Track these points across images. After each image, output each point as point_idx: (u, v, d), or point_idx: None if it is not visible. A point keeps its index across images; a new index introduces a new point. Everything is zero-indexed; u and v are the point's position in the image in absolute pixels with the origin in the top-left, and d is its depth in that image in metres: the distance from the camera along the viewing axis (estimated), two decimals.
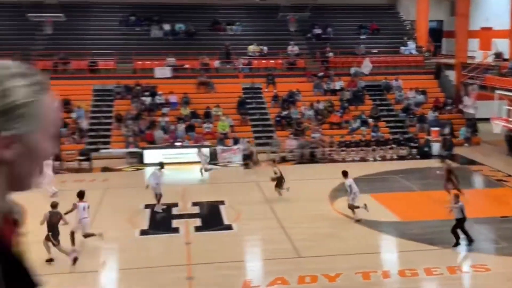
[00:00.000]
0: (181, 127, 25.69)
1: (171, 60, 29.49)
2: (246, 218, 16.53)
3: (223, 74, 29.91)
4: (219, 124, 26.24)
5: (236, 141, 24.98)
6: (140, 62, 29.67)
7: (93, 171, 22.62)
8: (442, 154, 24.19)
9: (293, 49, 31.43)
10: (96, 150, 23.98)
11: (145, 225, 15.99)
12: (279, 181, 18.15)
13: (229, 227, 15.88)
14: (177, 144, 24.60)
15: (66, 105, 26.26)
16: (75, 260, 12.81)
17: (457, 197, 14.22)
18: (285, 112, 27.55)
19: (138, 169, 22.99)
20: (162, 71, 28.67)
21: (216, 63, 30.15)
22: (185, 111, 26.90)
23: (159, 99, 27.58)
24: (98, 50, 29.92)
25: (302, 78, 30.33)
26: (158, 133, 25.17)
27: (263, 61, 31.06)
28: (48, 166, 16.92)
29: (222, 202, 17.90)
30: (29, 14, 28.02)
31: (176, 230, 15.64)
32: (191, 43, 31.45)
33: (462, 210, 13.74)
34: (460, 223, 13.77)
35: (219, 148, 24.67)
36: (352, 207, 15.91)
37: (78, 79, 28.24)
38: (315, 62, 31.62)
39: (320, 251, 13.65)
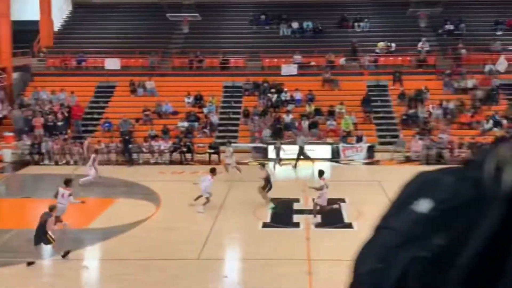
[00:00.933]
0: (305, 123, 26.16)
1: (298, 57, 30.09)
2: (367, 218, 16.54)
3: (348, 71, 29.91)
4: (343, 121, 26.33)
5: (359, 139, 24.97)
6: (268, 60, 30.60)
7: (221, 163, 23.81)
8: None
9: (423, 45, 30.54)
10: (225, 144, 25.18)
11: (268, 218, 16.62)
12: (265, 186, 17.65)
13: (349, 226, 16.00)
14: None
15: (199, 100, 27.91)
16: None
17: None
18: (411, 111, 26.93)
19: (262, 165, 23.80)
20: (289, 69, 29.33)
21: (341, 61, 30.21)
22: (309, 108, 27.33)
23: (284, 96, 28.29)
24: (230, 48, 31.34)
25: (431, 75, 29.39)
26: (265, 132, 25.71)
27: (391, 58, 30.56)
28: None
29: (342, 200, 18.04)
30: (168, 14, 30.01)
31: (296, 225, 16.07)
32: (318, 41, 31.80)
33: None
34: None
35: (341, 145, 24.81)
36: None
37: (210, 76, 29.85)
38: (446, 59, 30.46)
39: None
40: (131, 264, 13.13)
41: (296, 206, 17.84)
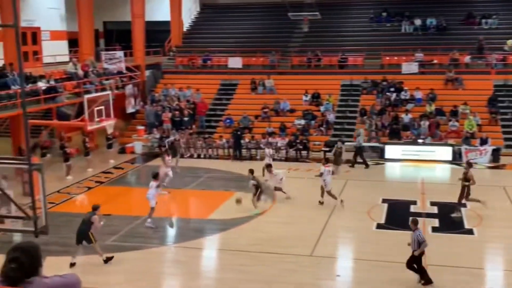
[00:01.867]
0: (425, 124, 25.47)
1: (419, 55, 29.30)
2: (488, 224, 15.91)
3: (473, 70, 28.57)
4: (466, 122, 25.28)
5: (483, 141, 23.86)
6: (388, 58, 30.13)
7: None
8: None
9: None
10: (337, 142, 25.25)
11: (382, 219, 16.54)
12: (256, 192, 17.25)
13: (469, 232, 15.46)
14: (419, 141, 24.55)
15: (316, 98, 28.22)
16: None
17: None
18: None
19: (378, 164, 23.65)
20: (410, 67, 28.67)
21: (466, 59, 28.94)
22: (430, 107, 26.54)
23: (404, 95, 27.72)
24: (349, 46, 31.27)
25: None
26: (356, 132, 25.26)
27: None
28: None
29: (463, 205, 17.44)
30: (290, 14, 30.59)
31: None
32: (441, 38, 30.71)
33: None
34: None
35: (463, 147, 23.87)
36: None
37: (328, 74, 30.01)
38: None
39: None
40: (247, 256, 13.78)
41: (412, 208, 17.56)
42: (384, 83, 28.43)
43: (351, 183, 20.47)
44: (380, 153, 24.35)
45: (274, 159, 24.49)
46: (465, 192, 16.59)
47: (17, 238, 13.87)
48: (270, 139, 25.11)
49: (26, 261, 2.95)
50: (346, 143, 25.11)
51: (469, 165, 17.32)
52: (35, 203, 6.68)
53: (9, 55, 21.10)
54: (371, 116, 26.38)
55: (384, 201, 18.10)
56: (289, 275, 12.59)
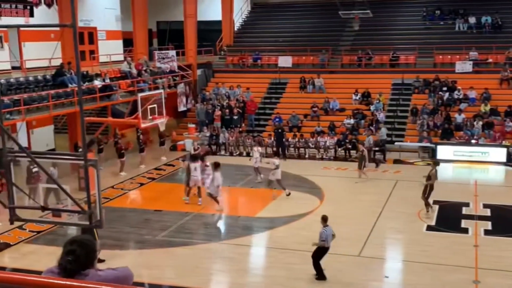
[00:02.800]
0: (478, 124, 24.88)
1: (474, 54, 28.62)
2: None
3: None
4: None
5: None
6: (441, 57, 29.56)
7: (387, 162, 23.75)
8: None
9: None
10: (391, 142, 25.05)
11: (433, 221, 16.31)
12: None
13: None
14: (473, 141, 24.00)
15: (366, 97, 28.02)
16: None
17: None
18: None
19: (429, 164, 23.21)
20: (463, 66, 28.04)
21: None
22: (484, 107, 25.90)
23: (457, 94, 27.15)
24: (400, 45, 30.87)
25: None
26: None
27: None
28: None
29: None
30: (340, 12, 30.47)
31: (465, 230, 15.56)
32: (496, 36, 29.88)
33: None
34: None
35: None
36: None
37: (379, 73, 29.72)
38: None
39: None
40: (294, 254, 13.90)
41: (465, 210, 17.27)
42: (437, 82, 27.92)
43: (401, 183, 20.26)
44: (432, 153, 23.96)
45: (322, 159, 24.58)
46: None
47: (72, 231, 14.49)
48: (319, 138, 25.12)
49: (82, 254, 3.06)
50: (397, 143, 24.88)
51: None
52: (90, 198, 7.00)
53: (67, 54, 21.90)
54: (422, 116, 25.98)
55: (435, 202, 17.82)
56: (337, 275, 12.63)
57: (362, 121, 26.63)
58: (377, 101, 27.32)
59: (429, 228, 15.78)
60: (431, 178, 16.55)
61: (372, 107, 27.31)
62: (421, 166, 23.03)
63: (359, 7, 30.22)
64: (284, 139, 25.01)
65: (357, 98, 28.16)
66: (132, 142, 23.65)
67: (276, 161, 19.21)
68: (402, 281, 12.88)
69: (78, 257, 3.04)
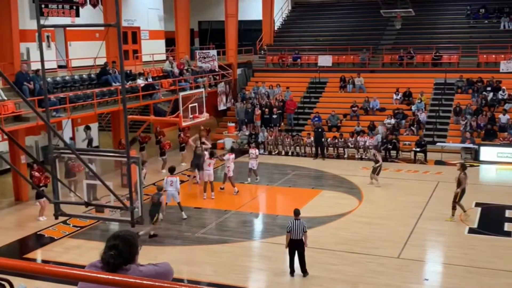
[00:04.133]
0: None
1: None
2: None
3: None
4: None
5: None
6: (485, 56, 28.86)
7: (428, 163, 23.37)
8: None
9: None
10: (432, 142, 24.62)
11: (475, 224, 15.99)
12: None
13: None
14: None
15: (408, 97, 27.61)
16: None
17: None
18: None
19: (472, 166, 22.76)
20: (508, 65, 27.30)
21: None
22: None
23: (502, 95, 26.46)
24: (443, 44, 30.29)
25: None
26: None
27: None
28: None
29: None
30: (382, 11, 30.11)
31: (508, 233, 15.23)
32: None
33: None
34: None
35: None
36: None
37: (421, 72, 29.24)
38: None
39: None
40: (332, 255, 13.87)
41: (508, 213, 16.87)
42: (480, 82, 27.27)
43: (442, 185, 19.90)
44: (474, 154, 23.45)
45: (361, 159, 24.35)
46: None
47: (114, 227, 14.85)
48: (359, 138, 24.91)
49: (125, 248, 3.12)
50: (438, 144, 24.44)
51: None
52: (132, 195, 7.19)
53: (111, 53, 22.39)
54: (465, 116, 25.44)
55: (477, 205, 17.48)
56: (375, 277, 12.55)
57: (403, 121, 26.26)
58: (419, 101, 26.89)
59: (471, 230, 15.49)
60: (461, 183, 16.10)
61: (413, 107, 26.90)
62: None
63: (402, 6, 29.77)
64: (323, 139, 24.90)
65: (398, 97, 27.78)
66: (170, 142, 23.95)
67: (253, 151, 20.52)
68: (442, 284, 12.70)
69: (121, 252, 3.11)
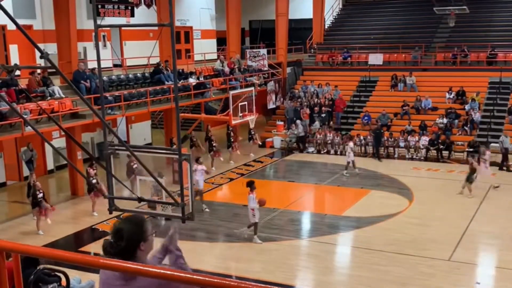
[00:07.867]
0: None
1: None
2: None
3: None
4: None
5: None
6: None
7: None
8: None
9: None
10: (486, 143, 23.92)
11: None
12: None
13: None
14: None
15: (461, 96, 26.95)
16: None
17: None
18: None
19: None
20: None
21: None
22: None
23: None
24: (499, 42, 29.39)
25: None
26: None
27: None
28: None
29: None
30: (435, 8, 29.49)
31: None
32: None
33: None
34: None
35: None
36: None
37: (475, 71, 28.46)
38: None
39: None
40: (381, 255, 13.78)
41: None
42: None
43: (501, 187, 19.35)
44: None
45: (412, 159, 23.94)
46: None
47: (164, 222, 15.22)
48: (410, 138, 24.51)
49: (127, 234, 3.03)
50: (491, 145, 23.74)
51: None
52: (183, 191, 7.38)
53: (164, 52, 22.87)
54: None
55: None
56: (426, 279, 12.40)
57: (456, 121, 25.67)
58: (473, 100, 26.20)
59: None
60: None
61: (466, 107, 26.24)
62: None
63: (455, 3, 29.08)
64: (383, 139, 24.60)
65: (451, 96, 27.15)
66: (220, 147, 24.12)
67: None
68: None
69: (121, 239, 3.08)
